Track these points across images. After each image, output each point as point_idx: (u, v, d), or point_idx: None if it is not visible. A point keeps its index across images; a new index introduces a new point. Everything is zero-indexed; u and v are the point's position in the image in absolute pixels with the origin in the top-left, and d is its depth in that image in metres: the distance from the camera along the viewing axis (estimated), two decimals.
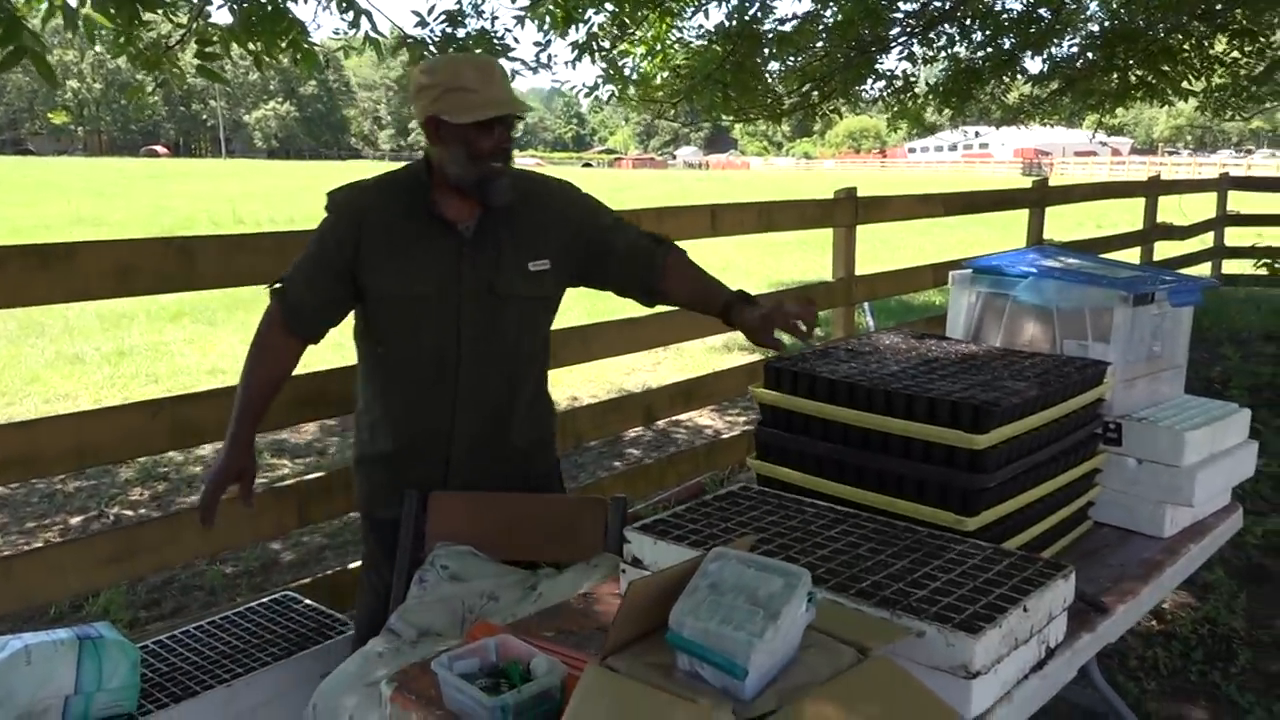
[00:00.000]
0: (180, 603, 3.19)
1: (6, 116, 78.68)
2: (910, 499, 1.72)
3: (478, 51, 4.51)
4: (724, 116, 7.12)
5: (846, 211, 4.44)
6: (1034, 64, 9.95)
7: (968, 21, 7.42)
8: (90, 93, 77.26)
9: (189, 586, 3.31)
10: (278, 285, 2.05)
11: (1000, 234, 13.70)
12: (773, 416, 1.93)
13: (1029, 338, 2.20)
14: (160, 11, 3.61)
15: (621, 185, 31.99)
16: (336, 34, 4.60)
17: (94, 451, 2.25)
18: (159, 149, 74.31)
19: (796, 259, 13.56)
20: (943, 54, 7.89)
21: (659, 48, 6.57)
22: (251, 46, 3.96)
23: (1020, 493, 1.74)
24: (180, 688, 1.91)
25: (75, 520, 3.97)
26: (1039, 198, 6.45)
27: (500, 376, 2.05)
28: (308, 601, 2.28)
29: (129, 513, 4.04)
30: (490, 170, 1.93)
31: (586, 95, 6.06)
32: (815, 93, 7.49)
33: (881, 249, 13.27)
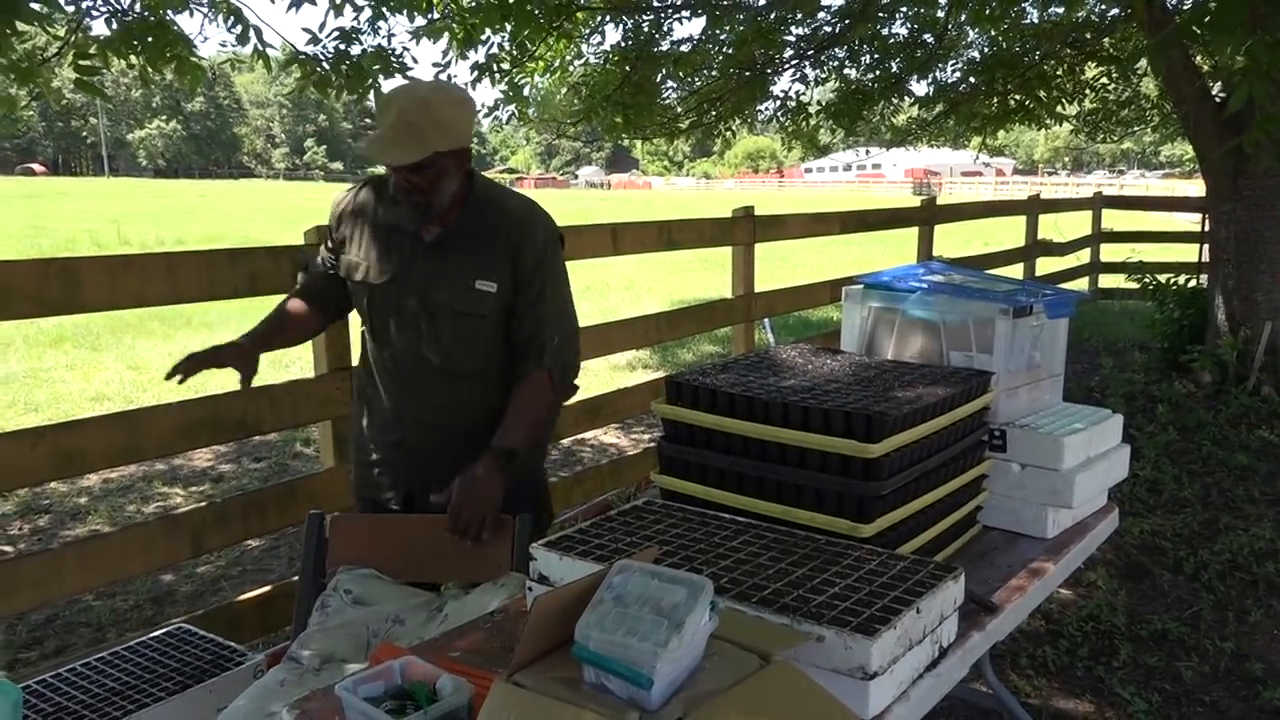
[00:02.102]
0: (65, 640, 3.04)
1: None
2: (809, 508, 1.77)
3: (405, 78, 4.47)
4: (624, 136, 7.20)
5: (745, 230, 4.54)
6: (920, 87, 10.34)
7: (856, 44, 7.68)
8: None
9: (74, 624, 3.16)
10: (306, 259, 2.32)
11: (893, 251, 14.16)
12: (675, 431, 1.97)
13: (918, 350, 2.29)
14: (36, 23, 3.46)
15: None
16: (224, 46, 4.49)
17: None
18: (35, 167, 70.82)
19: (699, 277, 13.75)
20: (834, 75, 8.15)
21: (557, 64, 6.61)
22: (134, 60, 3.84)
23: (912, 499, 1.81)
24: None
25: None
26: (928, 216, 6.71)
27: (434, 380, 2.13)
28: (203, 633, 2.21)
29: (8, 548, 3.83)
30: (394, 194, 2.03)
31: (486, 115, 6.06)
32: (712, 112, 7.64)
33: (781, 266, 13.57)
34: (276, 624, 2.64)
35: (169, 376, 1.97)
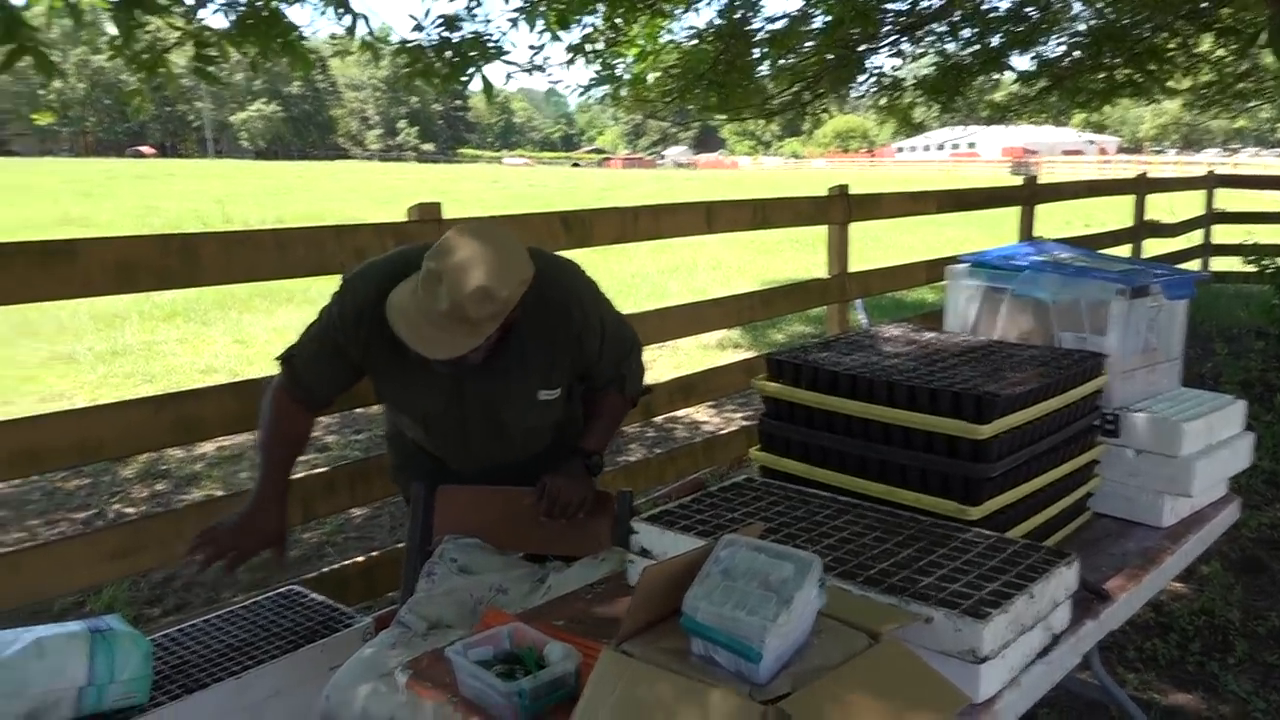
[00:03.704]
0: (183, 599, 3.20)
1: None
2: (913, 489, 1.74)
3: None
4: (715, 116, 7.14)
5: (840, 209, 4.47)
6: (1021, 62, 10.01)
7: (956, 19, 7.47)
8: (75, 93, 76.81)
9: (191, 583, 3.31)
10: (285, 356, 2.02)
11: (989, 233, 13.78)
12: (775, 408, 1.96)
13: (1026, 330, 2.22)
14: (159, 15, 3.61)
15: (611, 185, 32.01)
16: (333, 39, 4.61)
17: (96, 448, 2.25)
18: (145, 149, 73.90)
19: (789, 257, 13.61)
20: (931, 50, 7.94)
21: (650, 48, 6.60)
22: (248, 49, 3.97)
23: (1022, 482, 1.76)
24: (190, 680, 1.92)
25: (78, 517, 3.98)
26: (1029, 195, 6.50)
27: (507, 454, 2.08)
28: (313, 595, 2.29)
29: (130, 510, 4.04)
30: (451, 365, 1.81)
31: (580, 96, 6.08)
32: (805, 92, 7.52)
33: (873, 247, 13.32)
34: (381, 589, 2.73)
35: (196, 566, 1.94)
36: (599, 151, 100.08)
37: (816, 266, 12.14)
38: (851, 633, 1.26)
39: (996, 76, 8.42)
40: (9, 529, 3.83)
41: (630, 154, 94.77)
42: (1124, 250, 8.30)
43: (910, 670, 1.22)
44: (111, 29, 3.62)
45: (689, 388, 3.90)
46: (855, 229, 4.57)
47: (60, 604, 3.05)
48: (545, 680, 1.28)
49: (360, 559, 2.82)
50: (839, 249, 4.52)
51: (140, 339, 7.64)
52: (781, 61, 7.01)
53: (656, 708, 1.12)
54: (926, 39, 7.68)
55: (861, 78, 7.72)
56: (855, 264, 4.63)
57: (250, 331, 7.84)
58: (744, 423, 5.06)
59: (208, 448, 4.78)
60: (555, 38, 5.10)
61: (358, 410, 4.65)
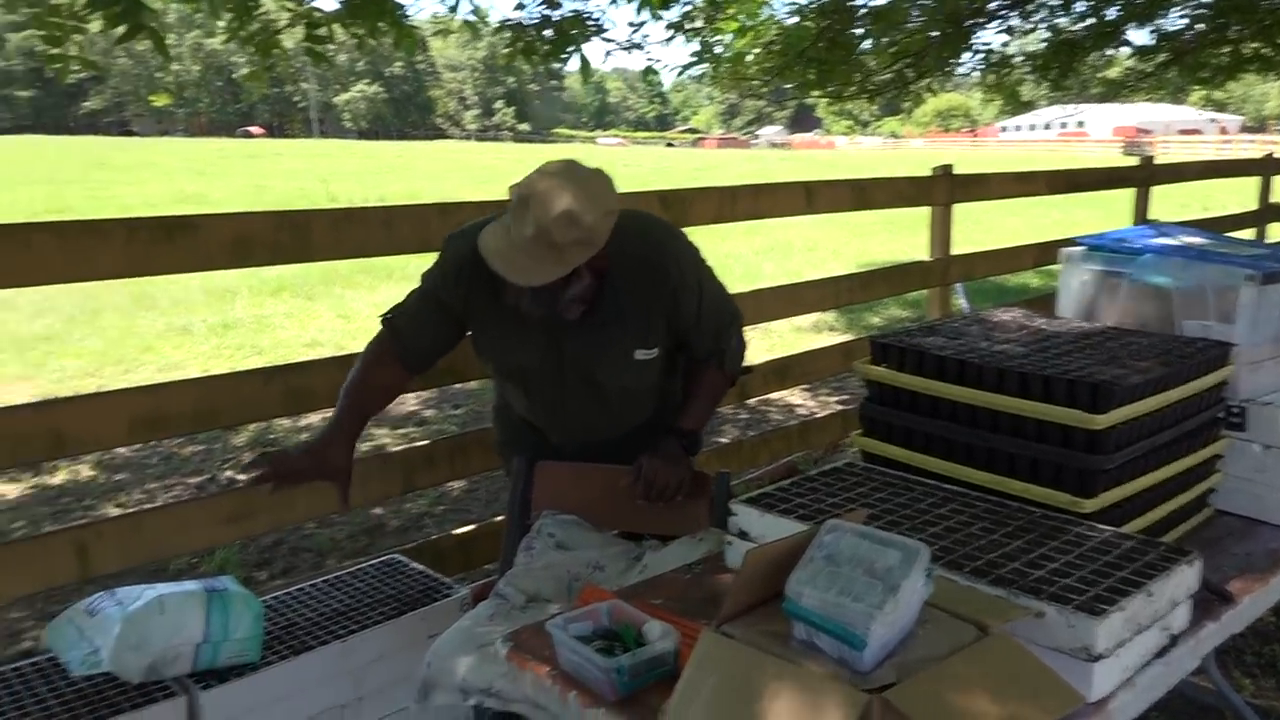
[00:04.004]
0: (290, 563, 3.32)
1: (113, 99, 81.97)
2: (1023, 479, 1.69)
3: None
4: (814, 95, 7.02)
5: (943, 189, 4.35)
6: (1139, 36, 9.56)
7: None
8: (189, 75, 79.90)
9: (298, 548, 3.44)
10: (388, 315, 2.07)
11: (1099, 214, 13.24)
12: (879, 393, 1.92)
13: (1145, 317, 2.13)
14: None
15: (705, 165, 31.83)
16: (435, 19, 4.68)
17: (213, 416, 2.35)
18: (254, 130, 76.53)
19: (885, 239, 13.34)
20: (1042, 25, 7.63)
21: (749, 24, 6.51)
22: (355, 30, 4.06)
23: (1140, 475, 1.69)
24: (298, 641, 1.99)
25: (192, 481, 4.17)
26: (1146, 176, 6.22)
27: (605, 417, 2.08)
28: (414, 564, 2.35)
29: (240, 477, 4.21)
30: (528, 302, 1.82)
31: (678, 75, 6.05)
32: (909, 69, 7.32)
33: (974, 229, 12.95)
34: (477, 561, 2.78)
35: (254, 483, 1.97)
36: (693, 131, 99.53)
37: (914, 249, 11.88)
38: (959, 624, 1.22)
39: (1111, 52, 8.04)
40: (130, 490, 4.04)
41: (724, 134, 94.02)
42: (1247, 235, 7.88)
43: (1022, 665, 1.18)
44: (225, 13, 3.76)
45: (784, 370, 3.86)
46: (958, 210, 4.44)
47: (175, 564, 3.20)
48: (644, 658, 1.28)
49: (457, 531, 2.88)
50: (942, 231, 4.40)
51: (250, 313, 7.94)
52: (885, 38, 6.85)
53: (759, 690, 1.11)
54: (1038, 13, 7.38)
55: (968, 55, 7.47)
56: (958, 246, 4.50)
57: (353, 307, 8.06)
58: (839, 407, 4.99)
59: (313, 418, 4.94)
60: (656, 16, 5.08)
61: (455, 386, 4.73)
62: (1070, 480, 1.63)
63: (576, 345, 1.95)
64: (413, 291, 2.07)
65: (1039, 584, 1.34)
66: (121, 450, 4.42)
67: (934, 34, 6.80)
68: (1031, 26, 7.56)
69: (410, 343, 2.05)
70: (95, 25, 3.22)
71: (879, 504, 1.64)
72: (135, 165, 27.46)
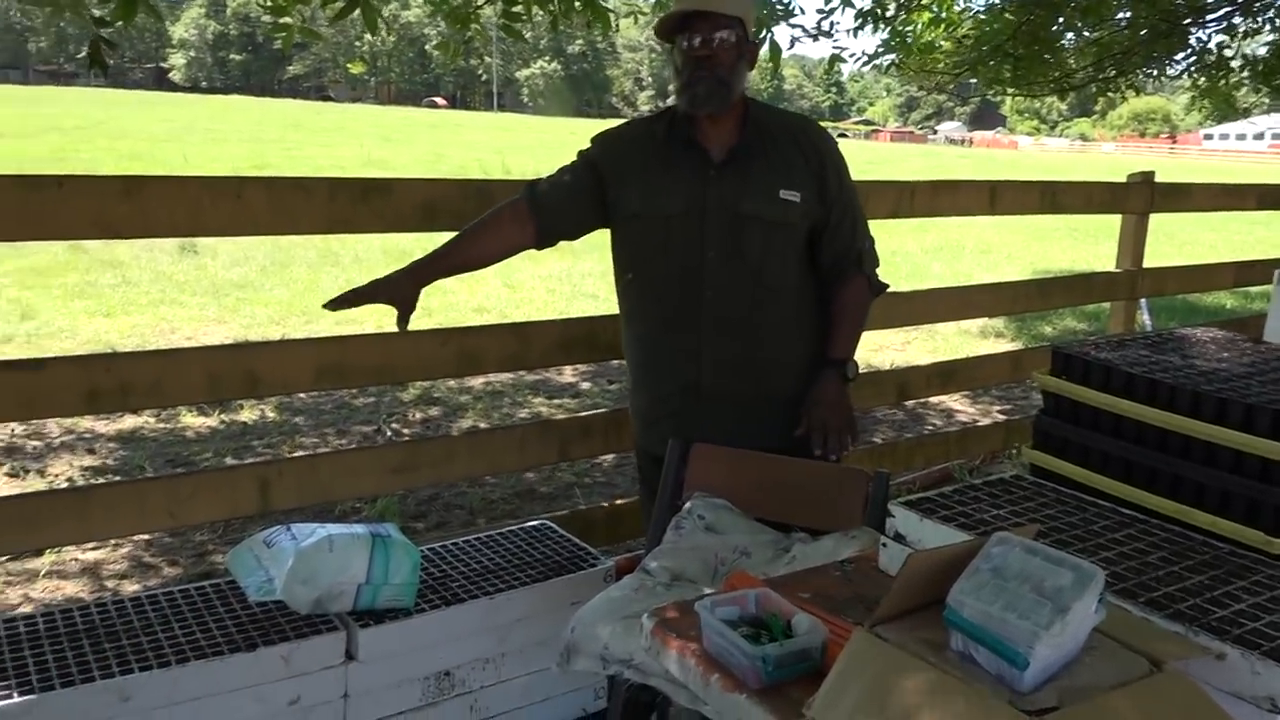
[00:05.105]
0: (443, 518, 3.46)
1: (314, 65, 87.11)
2: (1211, 511, 1.58)
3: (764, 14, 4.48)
4: (1005, 91, 6.70)
5: (1141, 197, 4.08)
6: None
7: None
8: (384, 45, 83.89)
9: (451, 505, 3.58)
10: (531, 181, 2.19)
11: None
12: (1056, 405, 1.83)
13: None
14: None
15: (877, 158, 31.03)
16: (626, 0, 4.72)
17: (391, 370, 2.47)
18: (439, 100, 79.74)
19: (1065, 246, 12.68)
20: (1268, 26, 7.02)
21: (944, 15, 6.28)
22: (551, 8, 4.14)
23: None
24: (449, 593, 2.08)
25: (365, 429, 4.41)
26: None
27: (745, 299, 2.08)
28: (562, 532, 2.41)
29: (405, 431, 4.42)
30: (688, 78, 1.96)
31: (865, 65, 5.90)
32: (1112, 68, 6.89)
33: (1166, 243, 12.15)
34: (624, 535, 2.82)
35: (328, 306, 2.06)
36: (867, 123, 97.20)
37: (1097, 258, 11.26)
38: (1130, 656, 1.16)
39: None
40: (305, 434, 4.30)
41: (900, 127, 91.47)
42: None
43: (1196, 707, 1.10)
44: None
45: (948, 374, 3.73)
46: (1153, 221, 4.17)
47: (340, 507, 3.39)
48: (791, 650, 1.27)
49: (606, 504, 2.93)
50: (1134, 241, 4.14)
51: None
52: (1088, 33, 6.47)
53: (909, 697, 1.08)
54: (1265, 13, 6.80)
55: (1181, 55, 6.96)
56: (1149, 260, 4.23)
57: (520, 277, 8.29)
58: (1001, 416, 4.79)
59: (475, 382, 5.14)
60: (848, 3, 4.96)
61: (613, 362, 4.81)
62: (1268, 518, 1.51)
63: (723, 185, 2.03)
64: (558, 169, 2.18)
65: (1222, 624, 1.25)
66: (301, 395, 4.71)
67: (1144, 31, 6.38)
68: (1256, 27, 6.97)
69: (546, 202, 2.13)
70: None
71: (1047, 521, 1.57)
72: (328, 129, 29.12)
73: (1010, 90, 6.73)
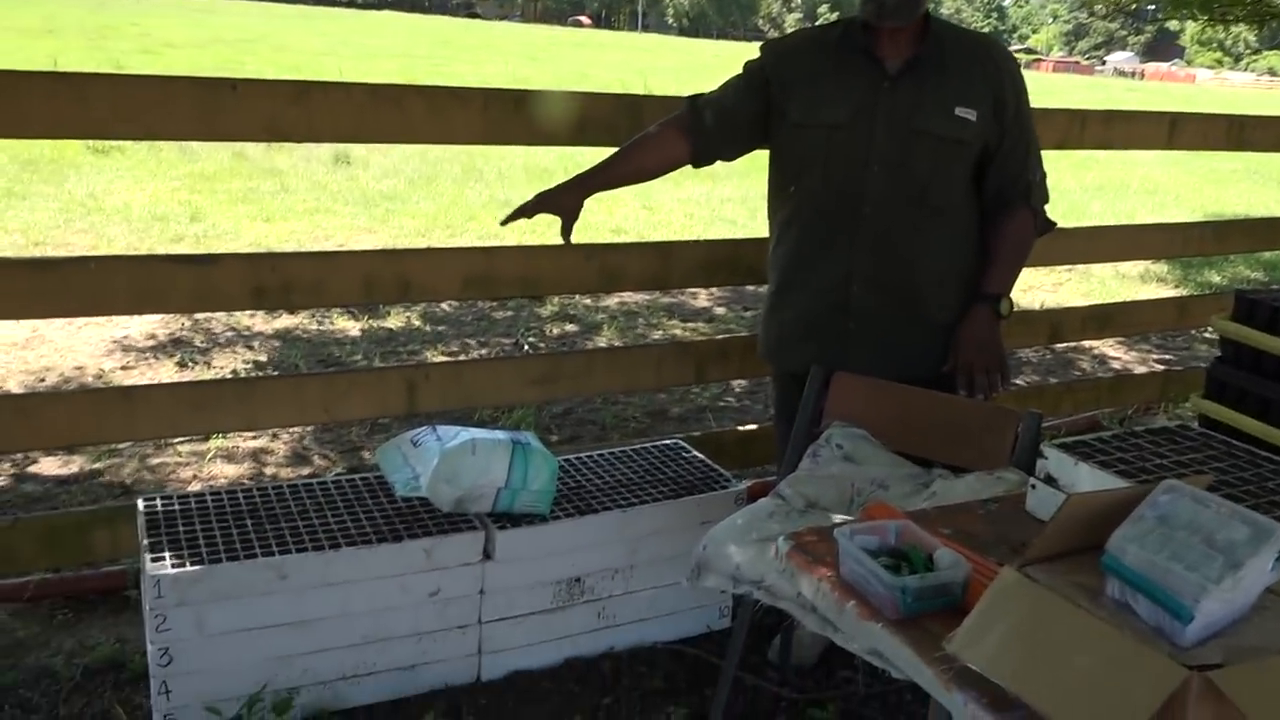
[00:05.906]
0: (575, 433, 3.53)
1: None
2: None
3: None
4: (1194, 15, 6.17)
5: None
6: None
7: None
8: None
9: (584, 420, 3.65)
10: (693, 96, 2.15)
11: None
12: (1235, 354, 1.71)
13: None
14: None
15: (1037, 91, 28.95)
16: None
17: (535, 282, 2.51)
18: (583, 19, 79.37)
19: (1242, 189, 11.76)
20: None
21: None
22: None
23: None
24: (583, 503, 2.13)
25: (505, 341, 4.52)
26: None
27: (906, 219, 1.99)
28: (695, 452, 2.43)
29: (541, 345, 4.52)
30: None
31: None
32: None
33: None
34: (755, 459, 2.82)
35: (502, 223, 2.10)
36: (1029, 51, 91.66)
37: (1278, 203, 10.39)
38: None
39: None
40: (448, 342, 4.45)
41: (1064, 57, 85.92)
42: None
43: None
44: None
45: (1104, 318, 3.53)
46: None
47: (480, 414, 3.50)
48: (933, 583, 1.24)
49: (740, 428, 2.93)
50: None
51: None
52: None
53: (1059, 640, 1.04)
54: None
55: None
56: None
57: (658, 199, 8.26)
58: (1159, 366, 4.52)
59: (611, 301, 5.18)
60: None
61: (748, 288, 4.76)
62: None
63: (895, 97, 1.96)
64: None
65: None
66: (444, 306, 4.86)
67: None
68: None
69: (705, 122, 2.10)
70: None
71: (1218, 475, 1.47)
72: (475, 46, 29.42)
73: (1199, 14, 6.19)
